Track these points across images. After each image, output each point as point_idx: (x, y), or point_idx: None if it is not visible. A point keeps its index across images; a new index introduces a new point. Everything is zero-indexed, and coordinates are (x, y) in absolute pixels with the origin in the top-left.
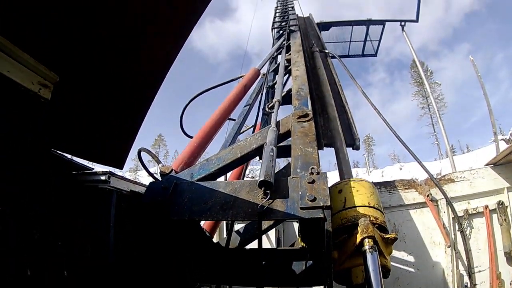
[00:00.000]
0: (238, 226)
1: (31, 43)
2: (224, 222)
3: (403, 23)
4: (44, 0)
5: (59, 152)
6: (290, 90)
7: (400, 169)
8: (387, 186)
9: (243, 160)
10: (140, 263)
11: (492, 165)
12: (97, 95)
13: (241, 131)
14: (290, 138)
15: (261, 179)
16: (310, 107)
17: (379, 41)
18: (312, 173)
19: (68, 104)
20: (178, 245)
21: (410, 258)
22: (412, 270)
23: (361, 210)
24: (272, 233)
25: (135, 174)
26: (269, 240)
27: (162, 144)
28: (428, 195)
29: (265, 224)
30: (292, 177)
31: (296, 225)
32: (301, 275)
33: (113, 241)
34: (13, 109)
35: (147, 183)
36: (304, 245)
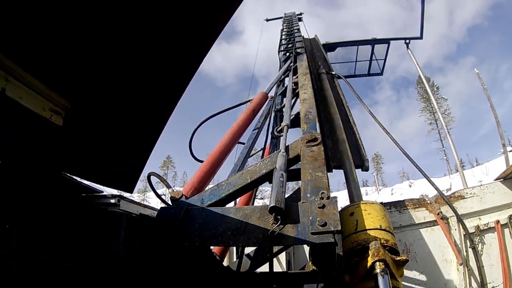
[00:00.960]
0: (248, 250)
1: (43, 69)
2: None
3: (407, 41)
4: (57, 28)
5: (68, 175)
6: (298, 113)
7: (410, 186)
8: (397, 206)
9: (253, 185)
10: None
11: (502, 179)
12: (108, 121)
13: (250, 154)
14: (300, 162)
15: (271, 205)
16: (318, 130)
17: (385, 59)
18: (322, 198)
19: (80, 129)
20: (189, 270)
21: (422, 277)
22: None
23: (372, 233)
24: (282, 256)
25: (144, 195)
26: (279, 263)
27: (170, 165)
28: (438, 213)
29: (276, 247)
30: (303, 202)
31: (306, 248)
32: None
33: (124, 264)
34: (24, 134)
35: (155, 205)
36: (315, 268)
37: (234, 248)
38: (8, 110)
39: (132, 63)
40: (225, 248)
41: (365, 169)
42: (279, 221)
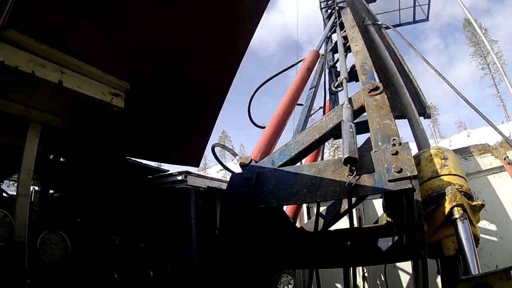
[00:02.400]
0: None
1: (97, 56)
2: (304, 207)
3: None
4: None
5: (133, 159)
6: (353, 67)
7: (468, 136)
8: (462, 153)
9: (321, 141)
10: (228, 257)
11: None
12: (170, 98)
13: (311, 114)
14: (364, 114)
15: (345, 156)
16: (377, 80)
17: (429, 3)
18: (394, 145)
19: (141, 110)
20: (265, 234)
21: (492, 227)
22: (495, 239)
23: (445, 178)
24: (353, 213)
25: (204, 172)
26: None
27: (226, 140)
28: (505, 158)
29: (347, 203)
30: (375, 151)
31: (376, 203)
32: (388, 252)
33: (195, 238)
34: (88, 120)
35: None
36: (390, 220)
37: (305, 210)
38: (68, 100)
39: (191, 34)
40: (296, 210)
41: (427, 116)
42: (355, 172)
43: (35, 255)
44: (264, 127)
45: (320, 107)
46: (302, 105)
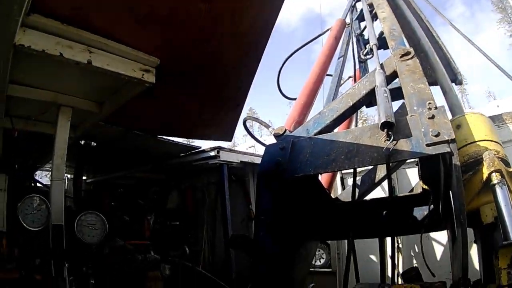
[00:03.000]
0: (350, 181)
1: (125, 33)
2: (338, 178)
3: None
4: None
5: (165, 137)
6: (381, 34)
7: (498, 106)
8: (495, 121)
9: (355, 108)
10: (265, 229)
11: None
12: (201, 71)
13: (341, 83)
14: (394, 81)
15: (382, 120)
16: (407, 45)
17: None
18: (430, 109)
19: (172, 86)
20: (301, 204)
21: None
22: None
23: (482, 144)
24: (386, 182)
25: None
26: (383, 191)
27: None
28: None
29: (381, 172)
30: (411, 116)
31: (409, 172)
32: (424, 221)
33: (229, 213)
34: (119, 102)
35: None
36: (426, 187)
37: (338, 181)
38: (98, 80)
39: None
40: (331, 181)
41: (459, 82)
42: (392, 137)
43: (73, 237)
44: (294, 99)
45: (350, 77)
46: (331, 75)
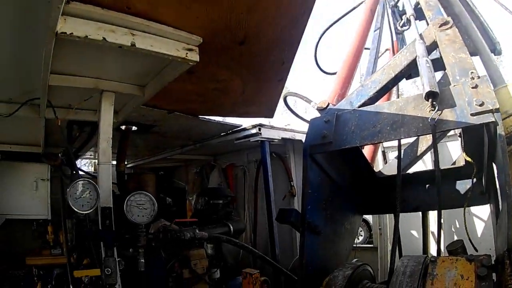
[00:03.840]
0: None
1: (166, 13)
2: (380, 152)
3: None
4: None
5: (206, 117)
6: (416, 4)
7: None
8: None
9: (397, 79)
10: (311, 203)
11: None
12: (243, 46)
13: (379, 55)
14: (433, 53)
15: (426, 90)
16: (445, 15)
17: None
18: (473, 78)
19: (214, 64)
20: (345, 178)
21: None
22: None
23: None
24: (427, 156)
25: None
26: (424, 164)
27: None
28: None
29: (423, 145)
30: (454, 85)
31: (450, 146)
32: (467, 194)
33: (272, 190)
34: (160, 84)
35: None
36: (469, 160)
37: (380, 155)
38: (141, 63)
39: None
40: (373, 155)
41: (498, 52)
42: (436, 107)
43: (120, 219)
44: (333, 73)
45: (386, 49)
46: (368, 49)
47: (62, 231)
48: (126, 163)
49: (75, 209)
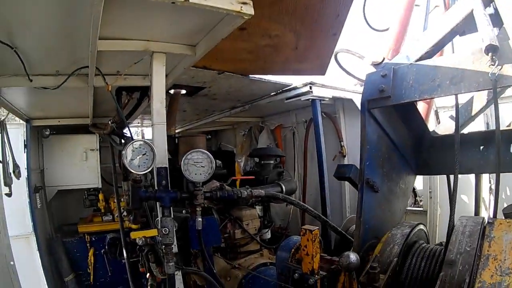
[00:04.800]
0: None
1: None
2: (432, 111)
3: None
4: None
5: (257, 76)
6: None
7: None
8: None
9: (453, 34)
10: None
11: None
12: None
13: (430, 11)
14: (489, 7)
15: (486, 44)
16: None
17: None
18: None
19: (267, 19)
20: (402, 136)
21: None
22: None
23: None
24: (480, 118)
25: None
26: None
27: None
28: None
29: (477, 105)
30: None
31: (504, 108)
32: None
33: (324, 149)
34: (211, 43)
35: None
36: None
37: (433, 114)
38: (194, 19)
39: None
40: (426, 114)
41: None
42: (496, 62)
43: (175, 181)
44: (383, 30)
45: (436, 6)
46: (418, 5)
47: (112, 198)
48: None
49: (132, 170)
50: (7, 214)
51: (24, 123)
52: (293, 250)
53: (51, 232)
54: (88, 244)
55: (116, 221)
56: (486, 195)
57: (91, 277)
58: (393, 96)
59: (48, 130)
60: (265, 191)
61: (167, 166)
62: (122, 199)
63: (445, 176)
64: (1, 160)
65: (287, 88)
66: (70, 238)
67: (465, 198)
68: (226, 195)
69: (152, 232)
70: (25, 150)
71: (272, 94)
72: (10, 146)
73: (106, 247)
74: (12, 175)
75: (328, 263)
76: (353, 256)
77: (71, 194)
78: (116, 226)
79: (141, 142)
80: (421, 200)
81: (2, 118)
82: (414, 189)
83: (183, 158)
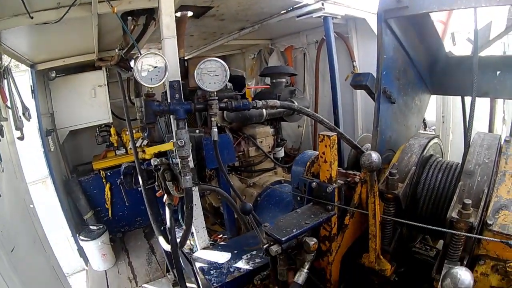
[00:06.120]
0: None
1: None
2: (449, 33)
3: None
4: None
5: None
6: None
7: None
8: None
9: None
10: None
11: None
12: None
13: None
14: None
15: None
16: None
17: None
18: None
19: None
20: (419, 51)
21: None
22: None
23: None
24: (498, 46)
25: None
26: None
27: None
28: None
29: (497, 31)
30: None
31: None
32: None
33: (337, 67)
34: None
35: None
36: None
37: (448, 36)
38: None
39: None
40: (443, 34)
41: None
42: None
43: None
44: None
45: None
46: None
47: (124, 131)
48: (184, 57)
49: (144, 84)
50: (22, 161)
51: (29, 69)
52: (308, 163)
53: (67, 173)
54: (104, 180)
55: (129, 153)
56: (499, 125)
57: (110, 212)
58: (410, 6)
59: (54, 72)
60: (280, 102)
61: (180, 79)
62: (134, 131)
63: (458, 102)
64: (9, 105)
65: (298, 5)
66: (86, 177)
67: (477, 126)
68: (241, 105)
69: (168, 146)
70: (33, 95)
71: (282, 12)
72: (18, 90)
73: (121, 176)
74: (22, 117)
75: (344, 176)
76: (375, 155)
77: (83, 133)
78: (130, 159)
79: (152, 54)
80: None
81: (6, 64)
82: (424, 120)
83: (196, 68)
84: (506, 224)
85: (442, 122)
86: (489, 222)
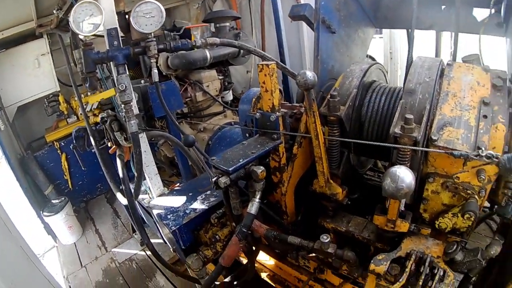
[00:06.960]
0: None
1: None
2: None
3: None
4: None
5: None
6: None
7: None
8: None
9: None
10: None
11: None
12: None
13: None
14: None
15: None
16: None
17: None
18: None
19: None
20: None
21: None
22: None
23: None
24: None
25: None
26: None
27: None
28: None
29: None
30: None
31: None
32: (484, 21)
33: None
34: None
35: None
36: None
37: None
38: None
39: None
40: None
41: None
42: None
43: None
44: None
45: None
46: None
47: (73, 98)
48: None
49: (80, 33)
50: None
51: None
52: (254, 100)
53: (21, 151)
54: (59, 151)
55: (81, 119)
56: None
57: (69, 182)
58: None
59: None
60: (220, 39)
61: (117, 26)
62: (83, 95)
63: (405, 38)
64: None
65: None
66: (41, 151)
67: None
68: (179, 45)
69: (110, 93)
70: None
71: None
72: None
73: (74, 141)
74: None
75: (290, 109)
76: (309, 73)
77: (32, 107)
78: (82, 124)
79: (87, 3)
80: None
81: None
82: (371, 57)
83: (132, 11)
84: (451, 140)
85: (390, 58)
86: (433, 138)
